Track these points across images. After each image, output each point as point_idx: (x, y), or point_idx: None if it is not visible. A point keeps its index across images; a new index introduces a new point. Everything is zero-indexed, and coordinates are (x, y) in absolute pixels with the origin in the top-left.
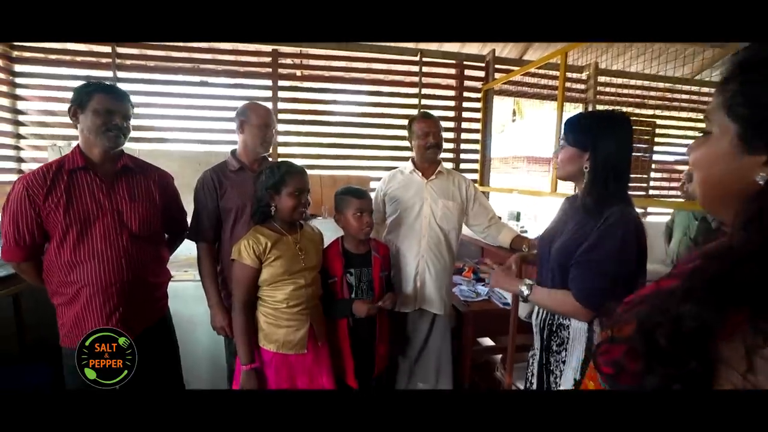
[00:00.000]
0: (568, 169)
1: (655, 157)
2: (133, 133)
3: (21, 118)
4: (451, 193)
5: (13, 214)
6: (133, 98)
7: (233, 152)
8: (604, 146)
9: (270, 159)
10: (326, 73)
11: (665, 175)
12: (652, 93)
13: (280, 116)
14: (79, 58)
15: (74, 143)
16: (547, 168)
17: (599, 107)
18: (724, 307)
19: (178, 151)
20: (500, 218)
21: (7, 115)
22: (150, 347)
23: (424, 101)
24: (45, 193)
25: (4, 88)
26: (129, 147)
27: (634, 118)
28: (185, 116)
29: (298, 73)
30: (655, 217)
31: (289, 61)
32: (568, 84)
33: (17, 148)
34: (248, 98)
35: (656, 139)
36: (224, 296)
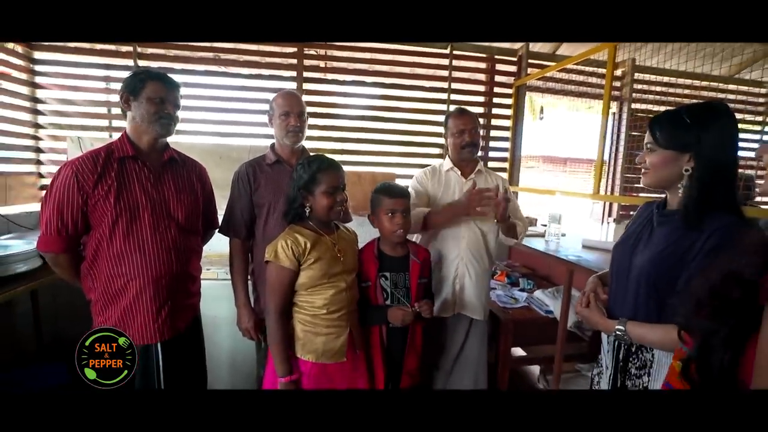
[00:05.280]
0: (663, 174)
1: None
2: None
3: (40, 107)
4: None
5: (58, 200)
6: None
7: (272, 145)
8: (710, 145)
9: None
10: (351, 65)
11: None
12: (690, 91)
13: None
14: (99, 47)
15: (95, 134)
16: (563, 168)
17: (635, 106)
18: None
19: (199, 144)
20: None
21: (26, 104)
22: (185, 347)
23: (453, 96)
24: (95, 180)
25: (23, 76)
26: None
27: None
28: (206, 108)
29: (322, 64)
30: None
31: (313, 52)
32: (600, 81)
33: (36, 138)
34: (271, 90)
35: None
36: (254, 298)
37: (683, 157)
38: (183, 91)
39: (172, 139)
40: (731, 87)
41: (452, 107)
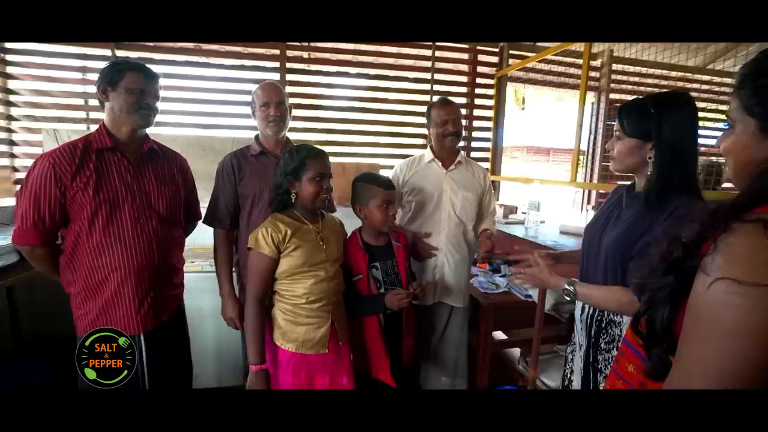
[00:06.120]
0: (628, 161)
1: None
2: None
3: (12, 98)
4: (471, 185)
5: (35, 192)
6: None
7: (256, 137)
8: (671, 133)
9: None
10: (334, 56)
11: None
12: (665, 82)
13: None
14: None
15: (72, 126)
16: (547, 158)
17: (613, 96)
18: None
19: (182, 135)
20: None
21: None
22: (169, 338)
23: (436, 87)
24: (73, 172)
25: None
26: None
27: None
28: (187, 99)
29: (305, 55)
30: None
31: (296, 43)
32: (579, 71)
33: (9, 130)
34: (255, 81)
35: None
36: (239, 288)
37: (647, 145)
38: (164, 81)
39: (153, 131)
40: (705, 78)
41: (435, 98)
